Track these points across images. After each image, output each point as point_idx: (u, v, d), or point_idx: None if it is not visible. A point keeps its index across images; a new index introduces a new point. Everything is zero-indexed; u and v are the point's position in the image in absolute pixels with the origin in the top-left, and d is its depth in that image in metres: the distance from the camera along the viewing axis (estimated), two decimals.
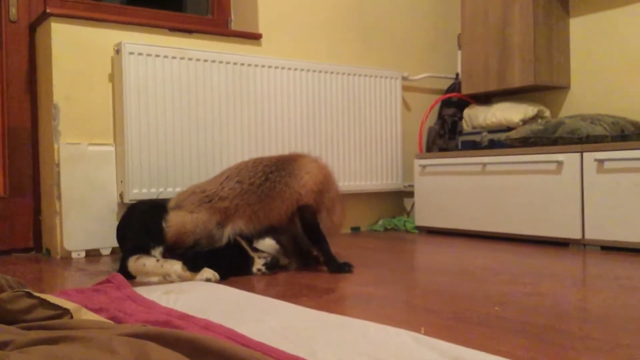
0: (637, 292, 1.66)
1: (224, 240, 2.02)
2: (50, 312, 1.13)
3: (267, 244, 2.38)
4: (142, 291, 1.57)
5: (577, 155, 2.56)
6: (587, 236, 2.52)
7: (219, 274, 1.91)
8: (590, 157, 2.51)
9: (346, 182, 3.22)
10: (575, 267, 2.12)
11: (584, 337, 1.22)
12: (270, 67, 2.95)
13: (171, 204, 2.10)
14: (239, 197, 2.06)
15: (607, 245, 2.48)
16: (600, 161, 2.48)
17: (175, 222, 2.01)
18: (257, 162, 2.19)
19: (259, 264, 2.02)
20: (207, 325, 1.16)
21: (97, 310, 1.31)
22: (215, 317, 1.24)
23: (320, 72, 3.13)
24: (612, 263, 2.16)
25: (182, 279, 1.89)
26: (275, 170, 2.14)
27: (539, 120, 3.04)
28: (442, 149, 3.46)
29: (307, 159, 2.23)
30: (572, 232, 2.57)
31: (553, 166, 2.64)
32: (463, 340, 1.16)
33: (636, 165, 2.37)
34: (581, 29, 3.09)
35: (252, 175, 2.12)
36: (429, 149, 3.52)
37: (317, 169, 2.18)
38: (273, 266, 2.04)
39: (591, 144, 2.55)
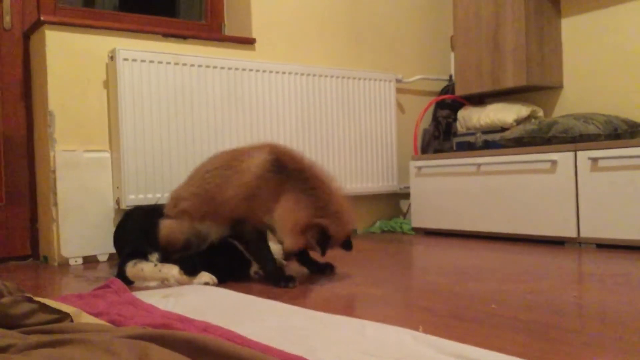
0: (632, 288, 1.67)
1: (213, 237, 1.99)
2: (51, 317, 1.13)
3: None
4: (140, 295, 1.57)
5: (571, 154, 2.58)
6: (583, 234, 2.54)
7: (217, 277, 1.92)
8: (583, 155, 2.53)
9: (342, 185, 3.22)
10: (570, 265, 2.13)
11: (580, 334, 1.23)
12: (264, 71, 2.96)
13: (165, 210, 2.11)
14: (192, 197, 1.99)
15: (602, 243, 2.49)
16: (594, 160, 2.50)
17: (163, 227, 2.02)
18: (214, 159, 2.06)
19: (256, 266, 2.03)
20: (207, 327, 1.17)
21: (96, 315, 1.31)
22: (214, 319, 1.25)
23: (314, 75, 3.14)
24: (607, 260, 2.18)
25: (180, 283, 1.90)
26: (222, 169, 1.97)
27: (533, 120, 3.06)
28: (437, 151, 3.47)
29: (256, 154, 1.95)
30: (567, 231, 2.58)
31: (547, 165, 2.65)
32: (461, 338, 1.17)
33: (629, 163, 2.39)
34: (573, 29, 3.11)
35: (204, 174, 2.01)
36: (424, 151, 3.54)
37: (254, 167, 1.90)
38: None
39: (585, 143, 2.56)
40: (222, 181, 1.94)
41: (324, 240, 1.79)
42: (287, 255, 1.95)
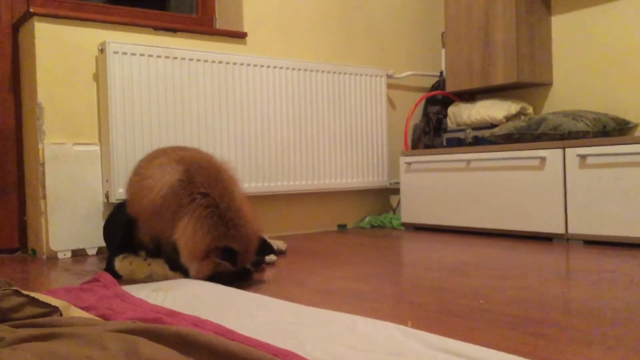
0: (619, 284, 1.69)
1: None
2: (40, 310, 1.13)
3: None
4: (130, 289, 1.57)
5: (560, 151, 2.59)
6: (570, 230, 2.56)
7: None
8: (572, 152, 2.55)
9: (332, 180, 3.23)
10: (558, 261, 2.15)
11: (567, 329, 1.24)
12: (255, 65, 2.96)
13: None
14: (131, 198, 2.00)
15: (589, 240, 2.51)
16: (583, 157, 2.52)
17: (135, 235, 2.03)
18: (145, 162, 2.01)
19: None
20: (196, 322, 1.17)
21: (85, 309, 1.31)
22: (203, 314, 1.25)
23: (305, 70, 3.14)
24: (594, 257, 2.20)
25: (168, 278, 1.89)
26: (141, 177, 1.93)
27: (522, 117, 3.08)
28: (427, 146, 3.48)
29: (169, 170, 1.86)
30: (555, 227, 2.60)
31: (536, 162, 2.67)
32: (449, 333, 1.18)
33: (617, 161, 2.41)
34: (563, 27, 3.13)
35: (133, 176, 2.01)
36: (414, 146, 3.55)
37: (163, 186, 1.83)
38: (259, 263, 2.05)
39: (573, 140, 2.58)
40: (139, 189, 1.91)
41: (231, 256, 1.75)
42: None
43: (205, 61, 2.81)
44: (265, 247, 1.94)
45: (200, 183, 1.81)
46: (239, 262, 1.78)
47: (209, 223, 1.75)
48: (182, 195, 1.79)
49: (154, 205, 1.84)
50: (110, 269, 1.97)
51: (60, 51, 2.58)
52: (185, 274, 1.83)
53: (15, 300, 1.13)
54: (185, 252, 1.76)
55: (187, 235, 1.74)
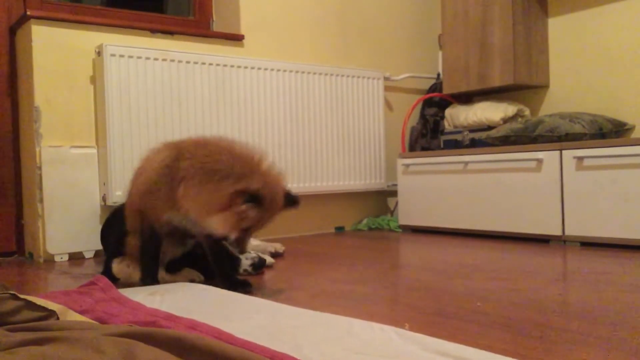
0: (615, 286, 1.69)
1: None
2: (37, 314, 1.13)
3: (254, 244, 2.39)
4: (127, 293, 1.57)
5: (557, 153, 2.60)
6: (567, 232, 2.56)
7: (203, 274, 1.92)
8: (569, 154, 2.55)
9: (329, 182, 3.23)
10: (555, 263, 2.16)
11: (564, 331, 1.24)
12: (252, 68, 2.96)
13: None
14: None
15: (586, 241, 2.52)
16: (579, 159, 2.52)
17: None
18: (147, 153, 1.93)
19: (245, 264, 2.03)
20: (193, 325, 1.17)
21: (82, 312, 1.31)
22: (200, 317, 1.25)
23: (302, 72, 3.14)
24: (591, 258, 2.20)
25: (163, 281, 1.89)
26: (139, 166, 1.89)
27: (519, 119, 3.08)
28: (424, 148, 3.49)
29: (163, 150, 1.79)
30: (552, 229, 2.61)
31: (533, 164, 2.67)
32: (446, 335, 1.19)
33: (614, 162, 2.42)
34: (559, 29, 3.14)
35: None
36: (411, 149, 3.55)
37: (155, 163, 1.76)
38: (259, 266, 2.05)
39: (570, 142, 2.59)
40: (135, 177, 1.86)
41: (257, 200, 1.55)
42: (238, 246, 1.68)
43: (203, 64, 2.81)
44: (291, 198, 1.67)
45: (191, 148, 1.69)
46: (266, 208, 1.57)
47: (210, 172, 1.59)
48: (173, 167, 1.67)
49: (147, 184, 1.74)
50: (107, 272, 1.96)
51: (57, 54, 2.58)
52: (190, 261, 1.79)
53: (12, 304, 1.12)
54: (202, 208, 1.58)
55: (191, 195, 1.60)
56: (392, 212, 3.64)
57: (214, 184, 1.56)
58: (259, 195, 1.55)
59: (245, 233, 1.63)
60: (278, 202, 1.62)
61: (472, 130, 3.21)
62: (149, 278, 1.81)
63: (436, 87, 3.60)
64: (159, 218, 1.74)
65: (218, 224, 1.57)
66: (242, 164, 1.59)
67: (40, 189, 2.52)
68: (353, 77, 3.34)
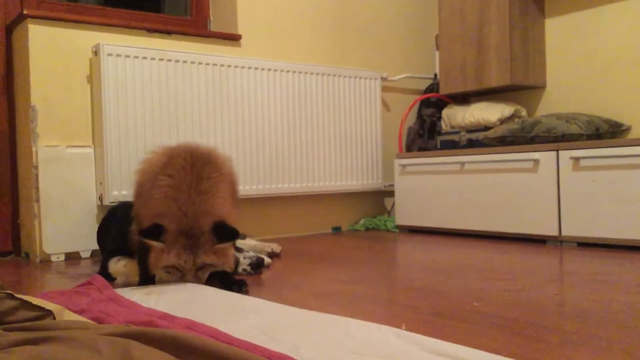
0: (612, 286, 1.70)
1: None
2: (33, 314, 1.12)
3: (251, 244, 2.39)
4: (123, 292, 1.56)
5: (553, 153, 2.60)
6: (564, 233, 2.57)
7: None
8: (566, 155, 2.56)
9: (326, 182, 3.23)
10: (552, 263, 2.16)
11: (560, 331, 1.25)
12: (249, 68, 2.96)
13: None
14: None
15: (583, 242, 2.52)
16: (576, 159, 2.53)
17: None
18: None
19: (244, 264, 2.03)
20: (190, 325, 1.17)
21: (79, 312, 1.30)
22: (197, 317, 1.25)
23: (299, 72, 3.14)
24: (587, 259, 2.21)
25: (162, 280, 1.88)
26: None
27: (516, 120, 3.09)
28: (421, 149, 3.49)
29: (161, 153, 1.88)
30: (549, 229, 2.61)
31: (530, 164, 2.68)
32: (443, 335, 1.19)
33: (610, 163, 2.42)
34: (556, 30, 3.14)
35: None
36: (408, 149, 3.55)
37: (148, 165, 1.89)
38: (258, 266, 2.04)
39: (567, 143, 2.59)
40: (137, 183, 1.93)
41: (157, 233, 1.69)
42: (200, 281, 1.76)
43: (200, 63, 2.81)
44: (225, 231, 1.72)
45: (178, 160, 1.78)
46: (166, 240, 1.68)
47: (159, 199, 1.72)
48: (156, 177, 1.77)
49: (139, 188, 1.87)
50: (104, 271, 1.96)
51: (54, 53, 2.57)
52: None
53: (8, 304, 1.12)
54: (136, 221, 1.83)
55: (140, 205, 1.81)
56: (389, 213, 3.65)
57: (152, 206, 1.78)
58: (162, 229, 1.69)
59: (198, 272, 1.75)
60: (199, 237, 1.71)
61: (469, 131, 3.22)
62: (148, 278, 1.80)
63: (433, 87, 3.61)
64: (141, 222, 1.81)
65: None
66: (188, 196, 1.72)
67: (37, 188, 2.52)
68: (350, 77, 3.34)
